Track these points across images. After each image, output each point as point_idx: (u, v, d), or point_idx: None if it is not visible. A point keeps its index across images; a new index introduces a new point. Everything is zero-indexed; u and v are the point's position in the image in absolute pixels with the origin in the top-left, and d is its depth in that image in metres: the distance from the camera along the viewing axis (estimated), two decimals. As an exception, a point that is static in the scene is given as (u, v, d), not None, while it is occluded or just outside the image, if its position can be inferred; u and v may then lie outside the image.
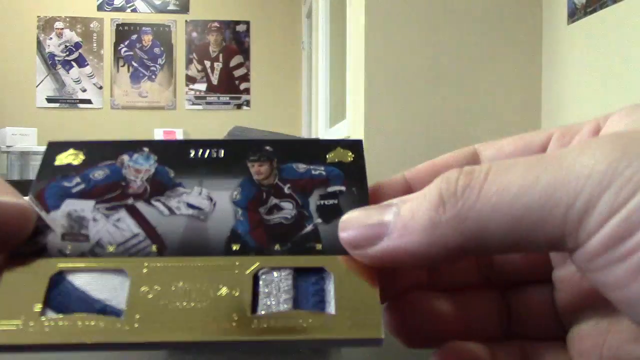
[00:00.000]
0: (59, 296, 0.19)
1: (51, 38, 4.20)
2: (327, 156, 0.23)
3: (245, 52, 4.37)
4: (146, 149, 0.23)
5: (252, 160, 0.23)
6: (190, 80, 4.32)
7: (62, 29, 4.22)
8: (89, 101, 4.23)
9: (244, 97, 4.37)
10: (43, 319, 0.18)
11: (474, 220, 0.17)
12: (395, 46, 1.99)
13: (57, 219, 0.21)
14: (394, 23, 1.99)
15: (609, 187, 0.15)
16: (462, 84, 1.99)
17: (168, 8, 4.32)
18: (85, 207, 0.21)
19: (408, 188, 0.23)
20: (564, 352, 0.21)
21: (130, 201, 0.22)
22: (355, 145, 0.24)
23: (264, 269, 0.20)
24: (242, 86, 4.37)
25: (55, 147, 0.24)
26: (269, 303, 0.19)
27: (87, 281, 0.20)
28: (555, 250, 0.18)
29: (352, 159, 0.23)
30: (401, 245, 0.18)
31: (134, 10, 4.30)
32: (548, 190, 0.16)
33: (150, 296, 0.19)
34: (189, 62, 4.33)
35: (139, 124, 4.22)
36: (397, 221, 0.18)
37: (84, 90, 4.23)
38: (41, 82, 4.18)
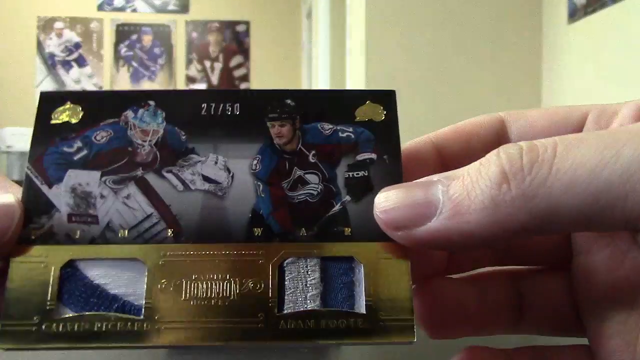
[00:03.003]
0: (73, 292, 0.18)
1: (51, 38, 4.20)
2: (356, 113, 0.21)
3: (245, 52, 4.36)
4: (152, 103, 0.20)
5: (272, 119, 0.20)
6: (190, 80, 4.32)
7: (62, 29, 4.21)
8: (89, 101, 4.23)
9: (244, 97, 4.37)
10: (58, 319, 0.18)
11: (544, 198, 0.16)
12: (395, 46, 1.99)
13: (61, 195, 0.19)
14: (393, 23, 1.99)
15: None
16: (462, 84, 1.99)
17: (168, 8, 4.32)
18: (90, 180, 0.19)
19: (437, 154, 0.22)
20: (582, 353, 0.20)
21: (139, 172, 0.20)
22: (387, 98, 0.21)
23: (290, 259, 0.19)
24: (242, 86, 4.36)
25: (50, 101, 0.21)
26: (295, 299, 0.18)
27: (102, 273, 0.18)
28: (626, 229, 0.17)
29: (384, 117, 0.21)
30: (455, 226, 0.17)
31: (134, 11, 4.30)
32: (632, 164, 0.15)
33: (169, 291, 0.18)
34: (189, 62, 4.32)
35: (139, 124, 4.21)
36: (447, 200, 0.17)
37: (84, 91, 4.23)
38: (41, 82, 4.18)
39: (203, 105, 0.20)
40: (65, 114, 0.20)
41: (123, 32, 4.27)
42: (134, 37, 4.28)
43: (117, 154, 0.20)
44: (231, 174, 0.20)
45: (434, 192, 0.17)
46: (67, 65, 4.22)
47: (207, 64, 4.35)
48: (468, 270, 0.23)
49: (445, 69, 1.99)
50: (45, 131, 0.20)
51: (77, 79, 4.22)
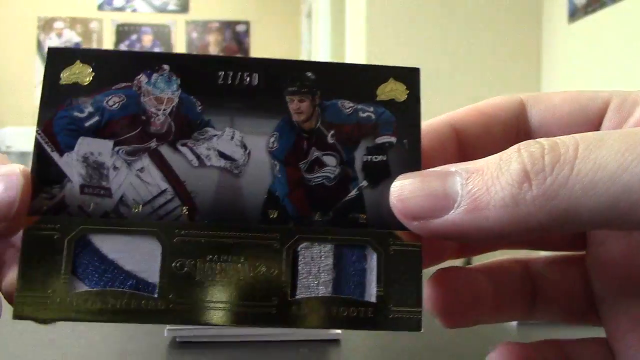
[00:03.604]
0: (87, 267, 0.18)
1: (51, 38, 4.20)
2: (378, 91, 0.20)
3: (245, 52, 4.36)
4: (167, 67, 0.19)
5: (291, 93, 0.19)
6: (190, 80, 4.33)
7: (62, 29, 4.22)
8: (89, 101, 4.23)
9: (244, 97, 4.37)
10: (73, 293, 0.18)
11: (564, 199, 0.16)
12: (395, 47, 1.99)
13: (72, 164, 0.19)
14: (393, 23, 1.99)
15: None
16: (462, 84, 1.99)
17: (168, 8, 4.32)
18: (102, 150, 0.19)
19: (456, 136, 0.21)
20: (602, 346, 0.20)
21: (153, 144, 0.19)
22: (411, 76, 0.20)
23: (304, 244, 0.19)
24: (242, 86, 4.37)
25: (59, 58, 0.20)
26: (307, 284, 0.19)
27: (115, 248, 0.18)
28: None
29: (406, 97, 0.20)
30: (473, 220, 0.17)
31: (134, 11, 4.30)
32: None
33: (184, 271, 0.18)
34: (189, 62, 4.33)
35: (139, 124, 4.22)
36: (465, 194, 0.17)
37: (84, 91, 4.23)
38: (41, 82, 4.18)
39: (220, 74, 0.19)
40: (75, 75, 0.19)
41: (123, 32, 4.28)
42: (134, 37, 4.29)
43: (130, 122, 0.19)
44: (247, 151, 0.19)
45: (451, 184, 0.17)
46: (67, 65, 4.23)
47: (207, 64, 4.36)
48: (480, 253, 0.23)
49: (445, 68, 2.00)
50: (54, 92, 0.19)
51: (77, 79, 4.23)
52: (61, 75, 0.19)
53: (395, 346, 0.44)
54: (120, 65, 0.19)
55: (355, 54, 2.18)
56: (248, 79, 0.19)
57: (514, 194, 0.16)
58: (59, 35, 4.21)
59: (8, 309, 0.24)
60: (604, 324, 0.21)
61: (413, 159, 0.20)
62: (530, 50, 2.02)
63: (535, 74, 2.03)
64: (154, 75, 0.19)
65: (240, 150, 0.19)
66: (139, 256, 0.18)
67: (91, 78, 0.19)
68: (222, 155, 0.19)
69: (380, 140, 0.20)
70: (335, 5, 3.02)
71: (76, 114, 0.19)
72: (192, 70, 0.19)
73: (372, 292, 0.19)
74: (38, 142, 0.19)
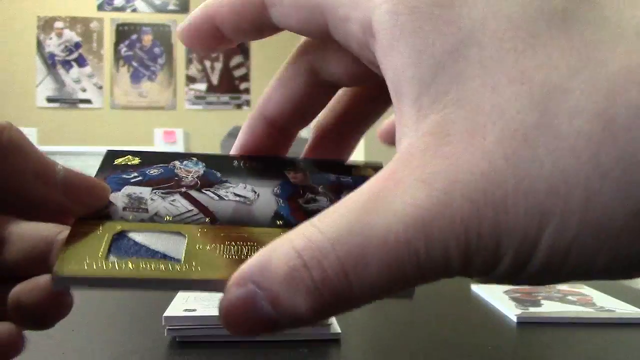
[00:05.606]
0: (122, 247, 0.22)
1: (51, 38, 4.20)
2: (353, 172, 0.28)
3: (245, 52, 4.37)
4: (195, 158, 0.28)
5: (288, 170, 0.28)
6: (190, 80, 4.32)
7: (62, 29, 4.22)
8: (89, 101, 4.23)
9: (244, 97, 4.37)
10: (108, 261, 0.21)
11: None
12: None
13: (118, 197, 0.24)
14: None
15: None
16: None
17: (168, 8, 4.32)
18: (143, 191, 0.25)
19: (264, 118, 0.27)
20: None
21: (183, 190, 0.25)
22: (377, 167, 0.28)
23: None
24: (242, 86, 4.37)
25: (113, 154, 0.27)
26: None
27: (147, 238, 0.22)
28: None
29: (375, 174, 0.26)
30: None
31: (134, 10, 4.30)
32: None
33: (206, 249, 0.22)
34: (189, 62, 4.33)
35: (139, 124, 4.22)
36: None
37: (84, 90, 4.23)
38: (41, 82, 4.18)
39: (234, 162, 0.28)
40: (125, 160, 0.27)
41: (123, 32, 4.28)
42: (134, 36, 4.29)
43: (165, 180, 0.26)
44: (257, 194, 0.26)
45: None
46: (67, 65, 4.23)
47: (207, 63, 4.35)
48: None
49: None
50: (109, 167, 0.26)
51: (77, 79, 4.22)
52: (115, 161, 0.27)
53: (395, 346, 0.44)
54: (160, 158, 0.27)
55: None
56: (255, 165, 0.28)
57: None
58: (59, 35, 4.21)
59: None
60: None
61: None
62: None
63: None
64: (185, 161, 0.27)
65: (252, 193, 0.26)
66: (167, 243, 0.22)
67: (138, 162, 0.27)
68: (237, 195, 0.25)
69: None
70: (335, 5, 3.01)
71: (124, 176, 0.26)
72: (213, 160, 0.28)
73: None
74: None
